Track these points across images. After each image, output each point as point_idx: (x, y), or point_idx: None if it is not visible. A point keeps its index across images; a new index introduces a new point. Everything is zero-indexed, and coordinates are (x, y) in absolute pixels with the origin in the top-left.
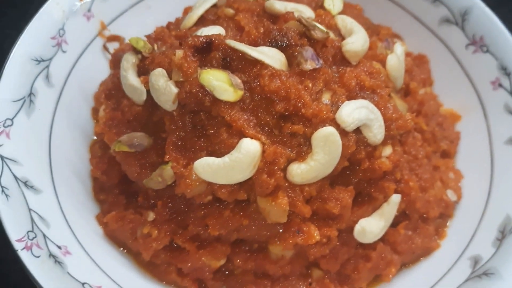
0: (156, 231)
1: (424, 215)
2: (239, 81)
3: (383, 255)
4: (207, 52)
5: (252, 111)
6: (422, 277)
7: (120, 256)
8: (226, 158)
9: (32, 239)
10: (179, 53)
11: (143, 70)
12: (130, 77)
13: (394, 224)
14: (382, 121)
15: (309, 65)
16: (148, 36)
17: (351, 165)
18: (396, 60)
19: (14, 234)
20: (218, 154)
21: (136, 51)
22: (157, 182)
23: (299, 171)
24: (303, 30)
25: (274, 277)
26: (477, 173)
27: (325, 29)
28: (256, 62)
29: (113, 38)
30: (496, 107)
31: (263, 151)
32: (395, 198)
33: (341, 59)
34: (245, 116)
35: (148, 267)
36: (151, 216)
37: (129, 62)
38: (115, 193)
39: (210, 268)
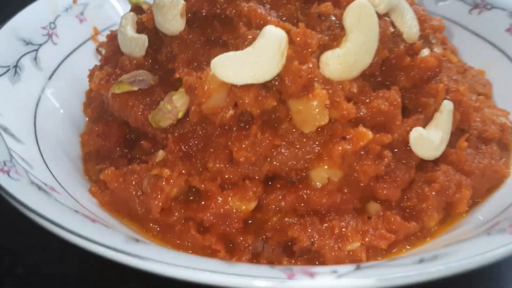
0: (167, 170)
1: (483, 135)
2: None
3: (449, 175)
4: None
5: (271, 5)
6: (500, 208)
7: (123, 227)
8: (249, 48)
9: (9, 167)
10: None
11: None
12: (129, 32)
13: (452, 144)
14: (413, 13)
15: None
16: None
17: (391, 69)
18: None
19: None
20: None
21: (136, 10)
22: (166, 113)
23: (335, 58)
24: None
25: (322, 211)
26: None
27: None
28: None
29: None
30: None
31: (291, 36)
32: (447, 105)
33: None
34: (265, 9)
35: (159, 233)
36: (161, 154)
37: (127, 19)
38: (114, 158)
39: (239, 215)
